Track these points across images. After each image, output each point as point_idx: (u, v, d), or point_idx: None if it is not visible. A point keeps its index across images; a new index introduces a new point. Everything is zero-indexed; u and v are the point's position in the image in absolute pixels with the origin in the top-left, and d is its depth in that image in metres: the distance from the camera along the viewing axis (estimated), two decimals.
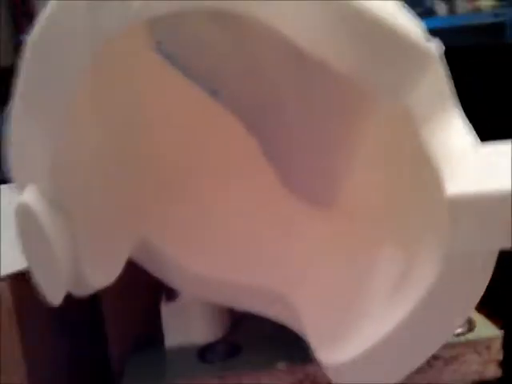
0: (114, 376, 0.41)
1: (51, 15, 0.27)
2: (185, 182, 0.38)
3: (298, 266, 0.36)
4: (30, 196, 0.29)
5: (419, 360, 0.31)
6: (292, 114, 0.37)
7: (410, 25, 0.26)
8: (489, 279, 0.28)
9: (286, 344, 0.38)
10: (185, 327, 0.40)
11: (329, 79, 0.33)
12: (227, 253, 0.36)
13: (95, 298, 0.39)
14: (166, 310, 0.40)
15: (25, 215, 0.29)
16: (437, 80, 0.27)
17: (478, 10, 1.83)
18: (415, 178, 0.31)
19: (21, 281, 0.34)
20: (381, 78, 0.26)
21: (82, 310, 0.40)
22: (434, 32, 0.27)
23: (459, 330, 0.38)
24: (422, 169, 0.28)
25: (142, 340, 0.41)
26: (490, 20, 1.76)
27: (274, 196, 0.39)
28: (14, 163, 0.30)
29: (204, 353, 0.40)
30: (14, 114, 0.29)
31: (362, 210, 0.36)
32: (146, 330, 0.41)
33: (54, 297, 0.31)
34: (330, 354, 0.32)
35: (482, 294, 0.29)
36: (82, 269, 0.31)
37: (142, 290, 0.41)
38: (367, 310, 0.32)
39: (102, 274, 0.33)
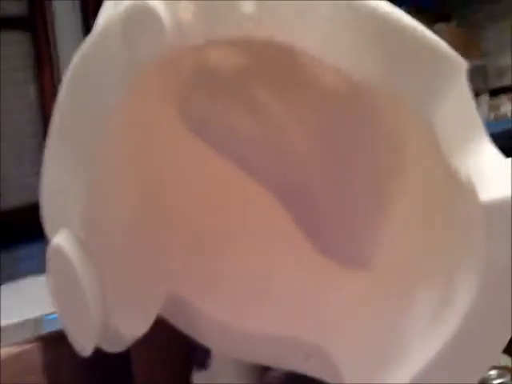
0: None
1: (88, 47, 0.28)
2: (213, 241, 0.37)
3: (333, 318, 0.35)
4: (62, 239, 0.29)
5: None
6: (320, 187, 0.37)
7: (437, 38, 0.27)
8: None
9: None
10: None
11: (356, 149, 0.34)
12: (258, 305, 0.35)
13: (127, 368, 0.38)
14: (198, 379, 0.39)
15: (57, 258, 0.29)
16: (463, 95, 0.28)
17: (503, 117, 1.86)
18: (448, 211, 0.30)
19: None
20: (410, 86, 0.26)
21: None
22: None
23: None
24: (455, 191, 0.28)
25: None
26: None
27: (305, 255, 0.38)
28: (46, 206, 0.30)
29: None
30: (49, 152, 0.30)
31: (398, 266, 0.35)
32: None
33: (84, 346, 0.30)
34: None
35: None
36: (112, 318, 0.31)
37: (173, 359, 0.40)
38: (405, 348, 0.30)
39: (131, 327, 0.32)
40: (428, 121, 0.27)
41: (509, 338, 0.28)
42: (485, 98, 1.89)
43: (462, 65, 0.27)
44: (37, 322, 0.45)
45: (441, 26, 1.69)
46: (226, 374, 0.38)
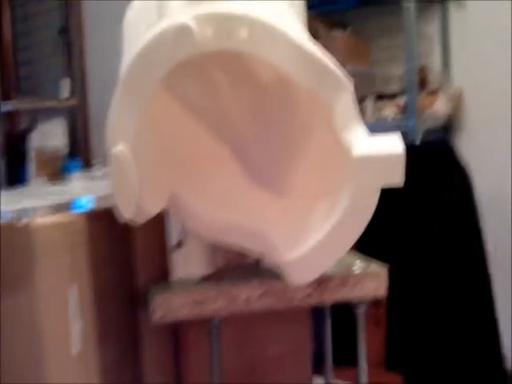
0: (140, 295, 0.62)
1: (147, 45, 0.51)
2: (197, 163, 0.61)
3: (269, 215, 0.60)
4: (121, 149, 0.52)
5: (338, 255, 0.55)
6: (252, 140, 0.62)
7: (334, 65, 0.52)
8: (373, 210, 0.53)
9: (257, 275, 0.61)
10: (187, 267, 0.63)
11: (277, 116, 0.58)
12: (226, 205, 0.59)
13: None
14: (175, 253, 0.63)
15: (116, 159, 0.52)
16: (349, 99, 0.53)
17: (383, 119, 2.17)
18: (337, 154, 0.55)
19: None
20: (322, 89, 0.52)
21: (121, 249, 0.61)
22: None
23: (361, 267, 0.63)
24: (339, 146, 0.53)
25: (162, 274, 0.63)
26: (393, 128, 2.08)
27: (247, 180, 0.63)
28: (110, 130, 0.53)
29: (200, 281, 0.62)
30: (115, 98, 0.52)
31: (305, 189, 0.60)
32: (165, 268, 0.63)
33: (127, 212, 0.53)
34: (288, 255, 0.56)
35: (371, 216, 0.53)
36: (142, 199, 0.54)
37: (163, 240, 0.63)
38: (310, 227, 0.56)
39: (151, 207, 0.55)
40: (331, 108, 0.52)
41: (361, 232, 0.53)
42: (370, 101, 2.21)
43: (346, 83, 0.52)
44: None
45: (337, 32, 1.97)
46: (197, 251, 0.63)
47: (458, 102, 2.34)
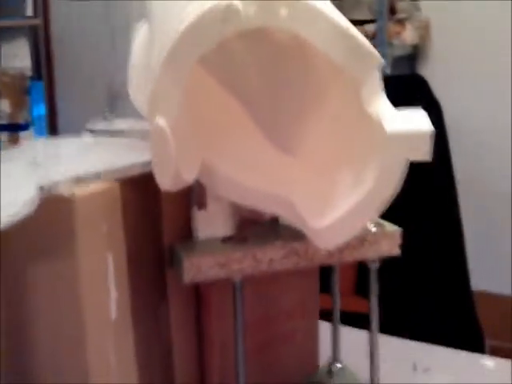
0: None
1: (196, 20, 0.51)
2: (226, 131, 0.62)
3: (294, 180, 0.62)
4: (162, 124, 0.53)
5: (364, 224, 0.58)
6: (266, 102, 0.63)
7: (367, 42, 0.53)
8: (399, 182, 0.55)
9: (280, 235, 0.64)
10: (211, 226, 0.65)
11: (294, 78, 0.59)
12: (251, 170, 0.61)
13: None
14: (199, 215, 0.64)
15: (158, 134, 0.53)
16: (376, 76, 0.54)
17: None
18: (362, 125, 0.57)
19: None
20: (355, 67, 0.53)
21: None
22: None
23: (377, 227, 0.66)
24: (367, 119, 0.55)
25: (187, 232, 0.65)
26: None
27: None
28: (152, 104, 0.53)
29: (224, 240, 0.64)
30: (159, 72, 0.52)
31: (325, 153, 0.62)
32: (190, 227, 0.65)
33: (166, 183, 0.55)
34: (315, 223, 0.58)
35: (397, 188, 0.56)
36: (179, 167, 0.55)
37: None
38: (337, 196, 0.58)
39: (187, 174, 0.56)
40: (360, 83, 0.54)
41: (387, 202, 0.56)
42: None
43: (378, 59, 0.53)
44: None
45: None
46: (219, 212, 0.64)
47: (425, 32, 2.36)
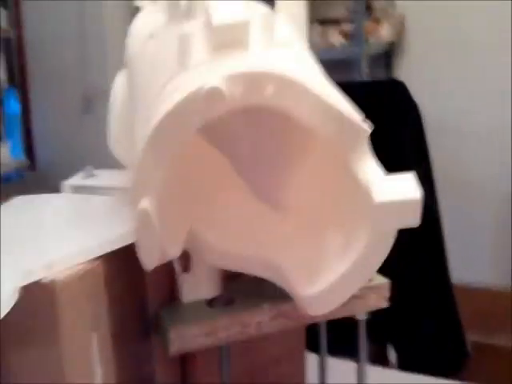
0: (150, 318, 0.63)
1: (177, 105, 0.49)
2: (211, 196, 0.61)
3: (280, 242, 0.60)
4: (147, 205, 0.51)
5: (354, 290, 0.56)
6: (251, 157, 0.61)
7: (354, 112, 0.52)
8: (390, 248, 0.54)
9: (266, 295, 0.62)
10: (196, 289, 0.63)
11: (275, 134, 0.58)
12: (235, 236, 0.60)
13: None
14: (183, 278, 0.63)
15: (142, 216, 0.51)
16: (365, 143, 0.53)
17: (331, 46, 2.16)
18: (350, 190, 0.56)
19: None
20: (342, 140, 0.51)
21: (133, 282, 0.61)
22: None
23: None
24: (355, 186, 0.54)
25: (171, 296, 0.63)
26: (341, 55, 2.09)
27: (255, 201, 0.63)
28: (136, 186, 0.52)
29: (210, 303, 0.63)
30: (142, 154, 0.51)
31: (310, 209, 0.61)
32: (174, 291, 0.63)
33: (151, 262, 0.53)
34: (303, 290, 0.57)
35: (387, 254, 0.55)
36: (166, 244, 0.53)
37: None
38: (326, 262, 0.57)
39: (172, 249, 0.55)
40: (347, 154, 0.52)
41: (377, 268, 0.55)
42: (316, 27, 2.18)
43: (366, 132, 0.52)
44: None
45: None
46: (204, 275, 0.63)
47: (400, 29, 2.35)
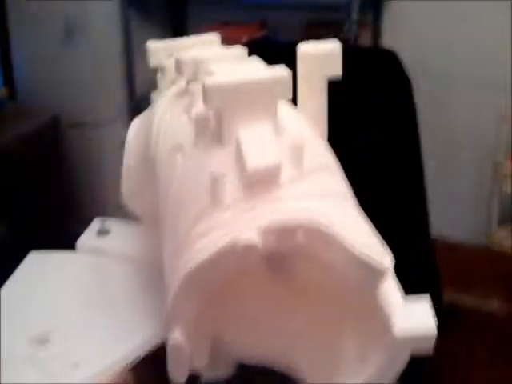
0: None
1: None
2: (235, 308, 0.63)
3: (297, 340, 0.63)
4: (178, 335, 0.53)
5: None
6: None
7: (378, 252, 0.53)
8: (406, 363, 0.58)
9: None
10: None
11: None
12: (257, 341, 0.63)
13: None
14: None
15: (175, 347, 0.54)
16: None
17: None
18: (368, 308, 0.58)
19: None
20: (367, 285, 0.54)
21: None
22: None
23: None
24: (374, 307, 0.56)
25: None
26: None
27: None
28: (169, 315, 0.54)
29: None
30: (176, 290, 0.52)
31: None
32: None
33: (180, 379, 0.56)
34: None
35: (402, 368, 0.58)
36: (194, 362, 0.56)
37: None
38: (342, 371, 0.60)
39: (201, 362, 0.58)
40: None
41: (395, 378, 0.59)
42: None
43: (389, 268, 0.54)
44: None
45: None
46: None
47: None
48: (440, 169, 2.27)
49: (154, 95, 0.75)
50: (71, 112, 2.52)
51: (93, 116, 2.60)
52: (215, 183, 0.53)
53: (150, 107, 0.75)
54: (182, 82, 0.66)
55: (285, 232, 0.51)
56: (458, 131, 2.22)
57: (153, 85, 0.75)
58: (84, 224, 0.83)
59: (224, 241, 0.50)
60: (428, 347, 0.56)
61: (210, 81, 0.53)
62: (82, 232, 1.82)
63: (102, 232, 0.76)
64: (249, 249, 0.50)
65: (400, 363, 0.57)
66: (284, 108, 0.59)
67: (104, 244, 0.75)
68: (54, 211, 2.45)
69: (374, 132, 0.97)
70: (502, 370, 0.87)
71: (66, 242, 0.82)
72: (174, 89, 0.67)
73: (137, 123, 0.76)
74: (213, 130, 0.57)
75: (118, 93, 2.65)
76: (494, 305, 1.21)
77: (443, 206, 2.17)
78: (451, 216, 2.21)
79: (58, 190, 2.47)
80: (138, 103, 2.60)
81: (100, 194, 2.58)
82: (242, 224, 0.51)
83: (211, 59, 0.61)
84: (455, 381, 0.89)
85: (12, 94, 2.55)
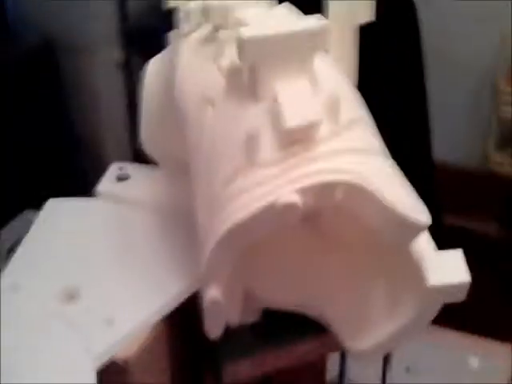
0: None
1: None
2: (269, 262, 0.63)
3: (329, 292, 0.64)
4: (214, 293, 0.54)
5: (399, 344, 0.62)
6: None
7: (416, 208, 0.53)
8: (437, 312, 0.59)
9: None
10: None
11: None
12: (289, 292, 0.63)
13: None
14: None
15: (211, 303, 0.54)
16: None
17: None
18: (400, 259, 0.58)
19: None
20: (404, 241, 0.54)
21: None
22: None
23: None
24: (408, 267, 0.57)
25: None
26: None
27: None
28: (206, 272, 0.54)
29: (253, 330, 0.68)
30: (212, 248, 0.52)
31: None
32: None
33: (216, 333, 0.57)
34: (352, 344, 0.62)
35: (434, 317, 0.59)
36: (229, 317, 0.57)
37: None
38: (373, 319, 0.61)
39: (235, 317, 0.59)
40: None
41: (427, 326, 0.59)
42: None
43: (426, 225, 0.53)
44: None
45: None
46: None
47: None
48: (439, 93, 2.23)
49: (173, 35, 0.72)
50: (63, 36, 2.44)
51: (84, 39, 2.52)
52: (251, 141, 0.51)
53: (169, 48, 0.72)
54: (207, 28, 0.64)
55: (325, 191, 0.50)
56: (459, 55, 2.19)
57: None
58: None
59: (265, 200, 0.49)
60: (461, 295, 0.57)
61: (246, 33, 0.51)
62: (80, 158, 1.78)
63: (122, 178, 0.75)
64: (290, 208, 0.49)
65: (433, 312, 0.58)
66: (319, 58, 0.57)
67: (125, 190, 0.74)
68: (52, 137, 2.42)
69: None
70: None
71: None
72: (199, 34, 0.64)
73: (155, 65, 0.74)
74: (246, 84, 0.55)
75: (111, 17, 2.57)
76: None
77: (442, 129, 2.16)
78: (450, 140, 2.20)
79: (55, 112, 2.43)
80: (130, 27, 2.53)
81: (96, 116, 2.54)
82: (281, 183, 0.50)
83: (241, 6, 0.58)
84: None
85: (3, 19, 2.46)
